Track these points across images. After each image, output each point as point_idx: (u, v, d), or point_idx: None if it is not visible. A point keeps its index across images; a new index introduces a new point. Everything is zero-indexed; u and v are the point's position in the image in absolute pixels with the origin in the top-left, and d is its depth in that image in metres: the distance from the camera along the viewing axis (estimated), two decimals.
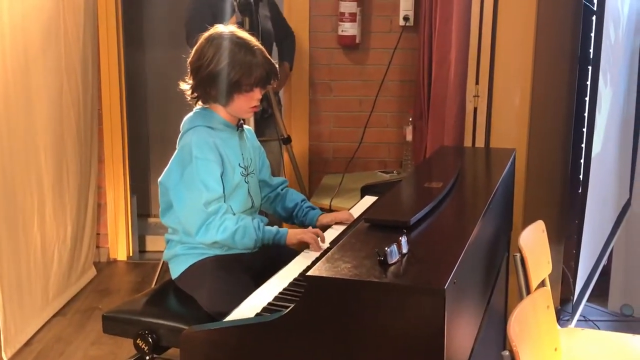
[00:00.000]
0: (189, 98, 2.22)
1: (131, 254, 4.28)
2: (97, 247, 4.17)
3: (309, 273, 1.47)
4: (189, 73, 2.18)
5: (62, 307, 3.51)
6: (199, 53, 2.14)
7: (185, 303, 2.15)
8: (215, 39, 2.12)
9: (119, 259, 4.24)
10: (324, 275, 1.45)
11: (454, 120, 3.04)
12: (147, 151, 4.78)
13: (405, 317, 1.38)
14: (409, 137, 3.84)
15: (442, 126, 3.14)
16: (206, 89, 2.14)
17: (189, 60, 2.18)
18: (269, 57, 2.18)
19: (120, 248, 4.24)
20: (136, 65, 4.61)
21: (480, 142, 2.97)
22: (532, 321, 1.76)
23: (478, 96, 2.95)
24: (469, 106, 2.99)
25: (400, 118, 4.04)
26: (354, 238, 1.69)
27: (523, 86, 2.88)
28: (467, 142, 3.01)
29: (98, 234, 4.16)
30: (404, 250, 1.54)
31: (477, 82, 2.96)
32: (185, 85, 2.21)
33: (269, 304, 1.74)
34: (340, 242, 1.67)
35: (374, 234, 1.73)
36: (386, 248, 1.49)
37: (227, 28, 2.17)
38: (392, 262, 1.49)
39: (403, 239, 1.55)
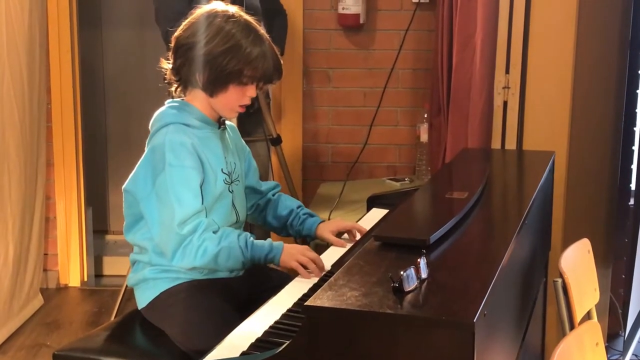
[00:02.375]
0: (166, 80, 2.22)
1: (85, 279, 4.27)
2: (45, 270, 4.15)
3: (307, 302, 1.46)
4: (173, 50, 2.19)
5: (2, 344, 3.48)
6: (193, 29, 2.15)
7: (155, 339, 2.13)
8: (218, 17, 2.14)
9: (70, 284, 4.22)
10: (326, 305, 1.45)
11: (479, 117, 3.04)
12: (104, 154, 4.78)
13: (426, 356, 1.38)
14: (424, 138, 3.85)
15: (465, 124, 3.14)
16: (194, 72, 2.15)
17: (176, 34, 2.19)
18: (276, 50, 2.20)
19: (72, 272, 4.22)
20: (93, 50, 4.61)
21: (511, 144, 2.98)
22: None
23: (508, 88, 2.96)
24: (497, 100, 2.99)
25: (413, 114, 4.05)
26: (362, 260, 1.69)
27: (562, 76, 2.89)
28: (496, 144, 3.02)
29: (46, 254, 4.15)
30: (423, 275, 1.54)
31: (507, 71, 2.97)
32: (167, 65, 2.21)
33: (258, 340, 1.73)
34: (346, 264, 1.67)
35: (386, 254, 1.73)
36: (401, 272, 1.48)
37: (230, 7, 2.19)
38: (409, 289, 1.49)
39: (422, 261, 1.55)
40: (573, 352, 1.75)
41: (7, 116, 3.53)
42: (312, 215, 2.43)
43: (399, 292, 1.47)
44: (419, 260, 1.54)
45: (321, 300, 1.47)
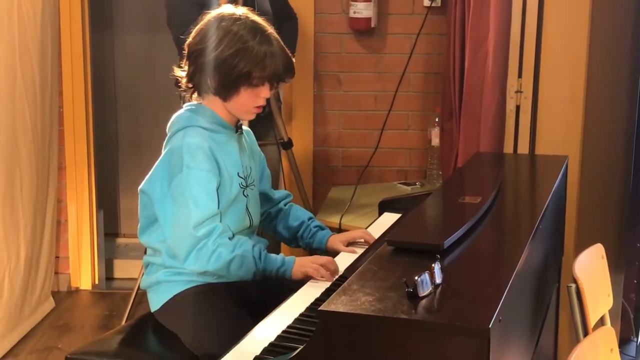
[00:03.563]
0: (182, 87, 2.23)
1: (97, 282, 4.27)
2: (56, 273, 4.15)
3: (321, 307, 1.46)
4: (186, 57, 2.20)
5: (13, 347, 3.48)
6: (202, 34, 2.16)
7: (168, 343, 2.13)
8: (224, 20, 2.14)
9: (82, 287, 4.22)
10: (340, 310, 1.44)
11: (491, 121, 3.03)
12: (116, 157, 4.78)
13: None
14: (435, 142, 3.83)
15: (477, 128, 3.13)
16: (206, 78, 2.15)
17: (188, 41, 2.20)
18: (286, 48, 2.19)
19: (83, 275, 4.22)
20: (104, 54, 4.61)
21: (523, 148, 2.97)
22: None
23: (521, 92, 2.95)
24: (509, 104, 2.98)
25: (424, 118, 4.03)
26: (376, 264, 1.68)
27: (575, 80, 2.88)
28: (508, 148, 3.01)
29: (57, 257, 4.15)
30: (438, 280, 1.54)
31: (519, 75, 2.96)
32: (181, 72, 2.22)
33: (271, 344, 1.73)
34: (359, 269, 1.66)
35: (400, 259, 1.72)
36: (416, 277, 1.48)
37: (238, 9, 2.19)
38: (424, 294, 1.48)
39: (436, 267, 1.54)
40: (587, 358, 1.74)
41: (19, 120, 3.53)
42: (322, 228, 2.43)
43: (414, 297, 1.46)
44: (433, 265, 1.54)
45: (335, 305, 1.46)
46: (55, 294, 4.06)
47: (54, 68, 3.92)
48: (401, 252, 1.75)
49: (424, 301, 1.46)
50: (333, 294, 1.52)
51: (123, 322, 3.55)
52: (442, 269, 1.56)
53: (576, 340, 2.12)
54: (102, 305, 4.04)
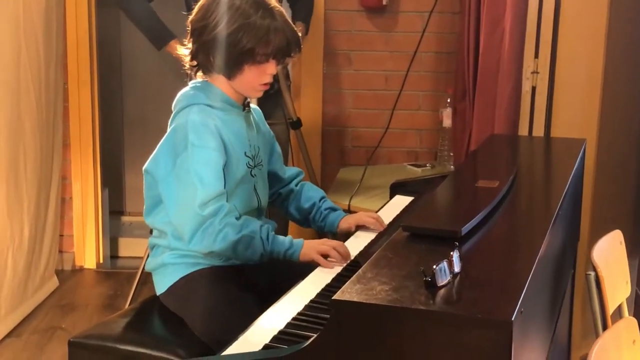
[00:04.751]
0: (186, 66, 2.18)
1: (101, 261, 4.26)
2: (60, 251, 4.15)
3: (335, 296, 1.40)
4: (189, 35, 2.15)
5: (16, 326, 3.47)
6: (204, 11, 2.10)
7: (174, 327, 2.09)
8: None
9: (86, 266, 4.21)
10: (354, 299, 1.38)
11: (506, 103, 2.99)
12: (121, 134, 4.75)
13: (460, 355, 1.32)
14: (447, 123, 3.80)
15: (492, 109, 3.08)
16: (209, 56, 2.10)
17: (190, 18, 2.15)
18: (292, 23, 2.13)
19: (88, 253, 4.21)
20: (110, 30, 4.57)
21: (538, 131, 2.92)
22: None
23: (537, 72, 2.90)
24: (525, 85, 2.93)
25: (436, 98, 4.00)
26: (391, 251, 1.62)
27: (593, 61, 2.83)
28: (523, 130, 2.96)
29: (61, 235, 4.14)
30: (456, 269, 1.48)
31: (536, 55, 2.91)
32: (184, 50, 2.16)
33: (281, 332, 1.67)
34: (374, 256, 1.60)
35: (415, 246, 1.66)
36: (434, 266, 1.42)
37: None
38: (442, 284, 1.42)
39: (455, 255, 1.48)
40: (610, 349, 1.68)
41: (24, 96, 3.50)
42: (334, 209, 2.37)
43: (432, 287, 1.41)
44: (451, 253, 1.47)
45: (349, 294, 1.40)
46: (59, 273, 4.05)
47: (59, 44, 3.89)
48: (417, 239, 1.69)
49: (442, 291, 1.40)
50: (347, 282, 1.46)
51: (127, 303, 3.53)
52: (461, 257, 1.49)
53: (594, 329, 2.08)
54: (106, 285, 4.02)
